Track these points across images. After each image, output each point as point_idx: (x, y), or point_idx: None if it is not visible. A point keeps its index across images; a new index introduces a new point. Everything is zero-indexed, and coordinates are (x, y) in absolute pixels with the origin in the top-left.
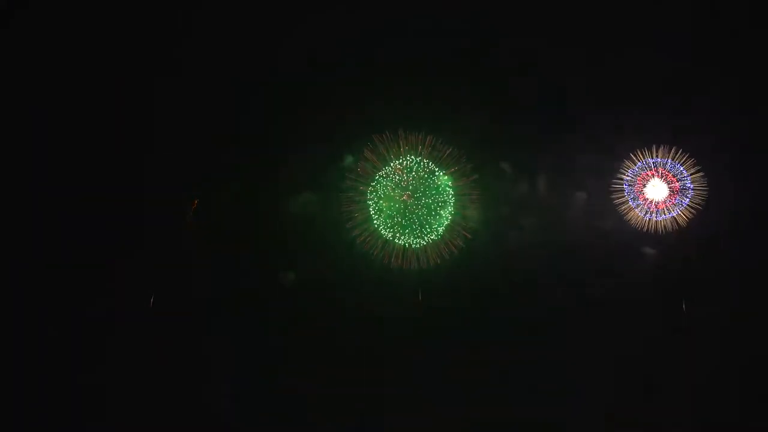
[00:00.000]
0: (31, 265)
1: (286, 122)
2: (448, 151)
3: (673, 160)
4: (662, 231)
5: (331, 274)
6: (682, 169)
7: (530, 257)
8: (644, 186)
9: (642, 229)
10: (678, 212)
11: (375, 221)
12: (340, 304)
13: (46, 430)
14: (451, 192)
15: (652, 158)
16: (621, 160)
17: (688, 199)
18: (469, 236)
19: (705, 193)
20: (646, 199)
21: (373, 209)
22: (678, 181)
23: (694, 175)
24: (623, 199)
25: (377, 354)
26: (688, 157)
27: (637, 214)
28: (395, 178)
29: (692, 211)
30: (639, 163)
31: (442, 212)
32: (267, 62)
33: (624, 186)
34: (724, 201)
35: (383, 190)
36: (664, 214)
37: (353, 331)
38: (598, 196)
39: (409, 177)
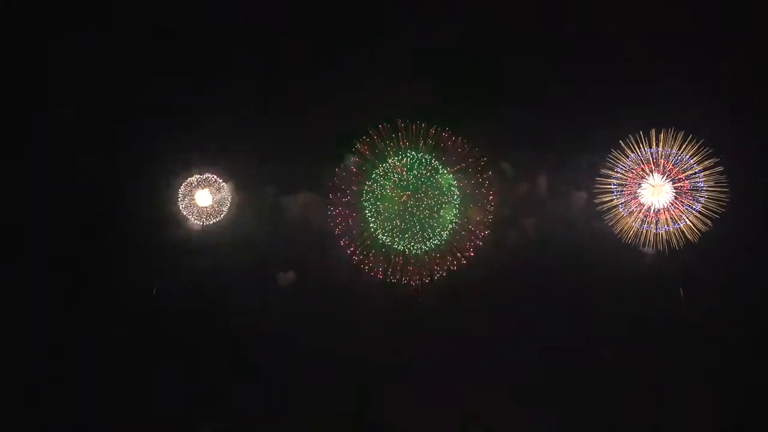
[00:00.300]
0: (32, 265)
1: (276, 119)
2: (452, 144)
3: (679, 149)
4: (664, 246)
5: (326, 275)
6: (691, 162)
7: (524, 258)
8: (640, 186)
9: (636, 243)
10: (686, 222)
11: (372, 225)
12: (339, 303)
13: (46, 429)
14: (456, 192)
15: (650, 147)
16: (608, 150)
17: (699, 204)
18: (480, 243)
19: (724, 195)
20: (641, 205)
21: (370, 212)
22: (686, 179)
23: (708, 171)
24: (612, 204)
25: (376, 354)
26: (700, 146)
27: (630, 224)
28: (394, 176)
29: (705, 220)
30: (633, 155)
31: (445, 214)
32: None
33: (612, 186)
34: (750, 206)
35: (381, 190)
36: (667, 225)
37: (352, 331)
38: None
39: (410, 176)
